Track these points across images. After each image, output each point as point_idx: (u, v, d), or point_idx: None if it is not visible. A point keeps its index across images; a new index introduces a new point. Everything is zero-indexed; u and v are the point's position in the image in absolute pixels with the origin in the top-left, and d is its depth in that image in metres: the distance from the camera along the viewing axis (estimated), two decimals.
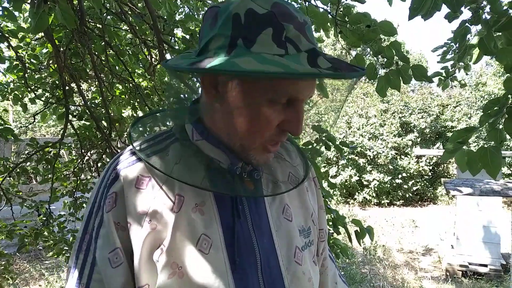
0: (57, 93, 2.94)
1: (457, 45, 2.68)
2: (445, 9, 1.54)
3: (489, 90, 12.22)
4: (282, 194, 0.80)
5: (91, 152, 3.26)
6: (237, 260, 0.70)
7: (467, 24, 2.16)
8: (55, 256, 3.02)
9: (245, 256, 0.71)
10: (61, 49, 2.48)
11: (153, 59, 2.56)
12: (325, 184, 2.37)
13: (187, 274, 0.67)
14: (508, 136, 1.76)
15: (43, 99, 3.00)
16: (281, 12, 0.64)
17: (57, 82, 2.91)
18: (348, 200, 11.46)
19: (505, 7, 2.05)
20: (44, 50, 2.96)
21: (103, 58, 2.82)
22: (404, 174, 11.28)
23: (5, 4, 2.52)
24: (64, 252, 2.99)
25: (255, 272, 0.72)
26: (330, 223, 2.12)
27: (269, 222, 0.76)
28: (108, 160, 3.18)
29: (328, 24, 1.94)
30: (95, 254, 0.69)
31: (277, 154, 0.85)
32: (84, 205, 3.20)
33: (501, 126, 1.76)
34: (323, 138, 2.07)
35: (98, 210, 0.71)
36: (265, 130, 0.68)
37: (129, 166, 0.72)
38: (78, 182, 3.17)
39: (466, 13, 2.18)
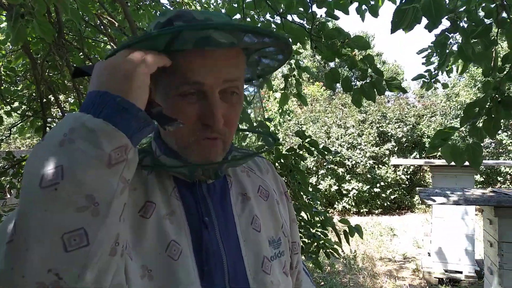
0: (34, 106, 2.90)
1: (437, 53, 2.81)
2: (425, 20, 1.61)
3: (461, 100, 12.64)
4: (232, 164, 0.82)
5: None
6: (205, 268, 0.72)
7: (446, 33, 2.27)
8: None
9: (212, 265, 0.73)
10: (39, 61, 2.47)
11: None
12: (310, 189, 2.40)
13: (158, 278, 0.68)
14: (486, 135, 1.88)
15: (19, 112, 2.95)
16: (176, 15, 0.69)
17: (34, 95, 2.88)
18: (328, 209, 11.56)
19: (481, 17, 2.17)
20: (21, 62, 2.93)
21: None
22: (382, 183, 11.48)
23: None
24: None
25: (222, 280, 0.74)
26: (319, 224, 2.16)
27: (237, 232, 0.79)
28: None
29: (305, 37, 2.01)
30: None
31: (249, 170, 0.89)
32: None
33: (481, 125, 1.87)
34: (306, 144, 2.12)
35: None
36: (186, 126, 0.67)
37: None
38: None
39: (445, 23, 2.29)
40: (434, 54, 2.98)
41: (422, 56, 3.05)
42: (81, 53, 2.68)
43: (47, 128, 2.63)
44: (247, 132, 1.07)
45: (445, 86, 3.74)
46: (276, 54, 0.79)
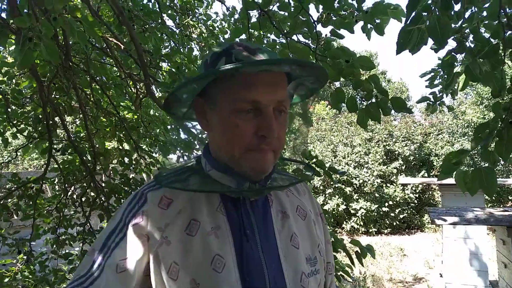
0: (40, 128, 2.91)
1: (444, 73, 2.78)
2: (430, 41, 1.60)
3: (468, 119, 12.55)
4: (278, 189, 0.89)
5: (75, 187, 3.20)
6: (247, 279, 0.77)
7: (452, 53, 2.24)
8: None
9: (254, 277, 0.78)
10: (45, 83, 2.49)
11: (139, 92, 2.58)
12: None
13: None
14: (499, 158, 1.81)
15: (25, 133, 2.97)
16: (232, 46, 0.80)
17: (40, 116, 2.90)
18: (336, 229, 11.40)
19: (487, 36, 2.15)
20: (28, 84, 2.96)
21: (88, 92, 2.83)
22: (390, 202, 11.32)
23: None
24: None
25: None
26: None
27: (278, 247, 0.83)
28: (92, 194, 3.12)
29: (310, 57, 2.00)
30: (106, 262, 0.76)
31: (287, 191, 0.94)
32: (66, 242, 3.11)
33: (492, 148, 1.82)
34: (313, 164, 2.09)
35: (123, 227, 0.80)
36: (241, 138, 0.77)
37: (155, 189, 0.83)
38: (62, 218, 3.09)
39: (451, 43, 2.27)
40: (438, 77, 2.94)
41: (425, 80, 3.02)
42: (87, 76, 2.70)
43: (53, 150, 2.63)
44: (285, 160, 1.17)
45: (450, 108, 3.70)
46: (313, 82, 0.89)
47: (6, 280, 2.71)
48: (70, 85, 2.64)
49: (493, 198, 11.27)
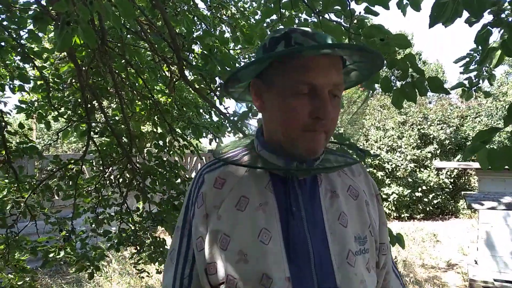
0: (79, 111, 3.02)
1: (479, 51, 2.64)
2: (465, 14, 1.54)
3: (509, 100, 11.97)
4: (323, 171, 0.91)
5: (113, 168, 3.32)
6: (292, 253, 0.81)
7: (488, 27, 2.14)
8: (77, 273, 3.05)
9: (299, 251, 0.82)
10: (83, 68, 2.57)
11: (172, 75, 2.62)
12: None
13: (251, 261, 0.80)
14: None
15: (65, 117, 3.09)
16: (291, 30, 0.84)
17: (79, 100, 3.01)
18: None
19: None
20: (66, 69, 3.06)
21: (123, 76, 2.90)
22: (424, 187, 11.07)
23: (31, 27, 2.63)
24: (86, 268, 3.02)
25: (308, 265, 0.81)
26: None
27: (324, 225, 0.86)
28: (129, 175, 3.24)
29: (343, 36, 1.96)
30: (193, 239, 0.88)
31: (340, 171, 0.96)
32: (105, 221, 3.24)
33: None
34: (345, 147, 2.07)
35: (191, 206, 0.90)
36: (297, 119, 0.80)
37: (211, 170, 0.92)
38: (100, 198, 3.22)
39: (487, 17, 2.17)
40: (473, 62, 2.80)
41: (460, 65, 2.88)
42: (123, 60, 2.77)
43: (91, 133, 2.73)
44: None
45: (487, 95, 3.53)
46: (369, 67, 0.91)
47: (51, 255, 2.87)
48: (107, 69, 2.71)
49: None
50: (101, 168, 3.20)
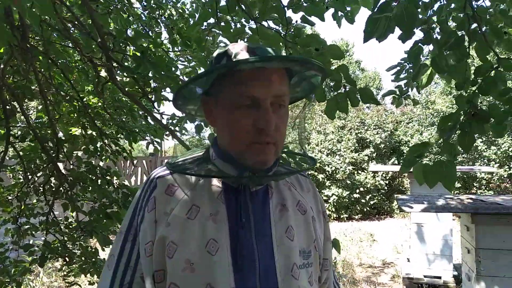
0: None
1: (411, 65, 2.77)
2: (398, 30, 1.59)
3: (437, 108, 12.88)
4: (274, 178, 0.93)
5: (37, 175, 3.06)
6: (239, 263, 0.82)
7: (419, 44, 2.24)
8: None
9: (246, 262, 0.83)
10: (1, 66, 2.33)
11: (100, 77, 2.46)
12: None
13: (197, 270, 0.81)
14: (461, 150, 1.83)
15: None
16: (233, 47, 0.87)
17: None
18: None
19: (453, 28, 2.15)
20: None
21: (48, 76, 2.68)
22: (361, 189, 11.55)
23: None
24: (5, 285, 2.75)
25: (253, 277, 0.83)
26: None
27: (272, 237, 0.88)
28: (56, 182, 3.00)
29: (280, 44, 1.95)
30: (139, 245, 0.86)
31: (291, 186, 0.99)
32: (28, 232, 2.98)
33: (455, 140, 1.83)
34: (283, 154, 2.06)
35: (140, 210, 0.89)
36: (242, 131, 0.83)
37: (164, 176, 0.91)
38: (23, 207, 2.95)
39: (419, 34, 2.26)
40: (404, 71, 2.94)
41: (391, 74, 3.01)
42: (47, 58, 2.55)
43: (10, 137, 2.49)
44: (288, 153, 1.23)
45: (415, 102, 3.74)
46: (312, 77, 0.95)
47: None
48: (29, 68, 2.49)
49: (460, 185, 11.68)
50: (24, 175, 2.94)
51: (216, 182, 0.90)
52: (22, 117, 3.22)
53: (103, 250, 3.00)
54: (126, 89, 2.10)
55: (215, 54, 0.91)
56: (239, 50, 0.85)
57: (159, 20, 2.97)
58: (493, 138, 11.48)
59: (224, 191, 0.89)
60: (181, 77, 2.41)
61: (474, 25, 1.97)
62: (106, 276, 0.89)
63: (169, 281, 0.82)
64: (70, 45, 2.67)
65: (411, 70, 2.71)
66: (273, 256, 0.86)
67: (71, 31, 2.24)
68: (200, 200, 0.87)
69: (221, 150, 0.91)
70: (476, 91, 1.88)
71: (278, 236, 0.88)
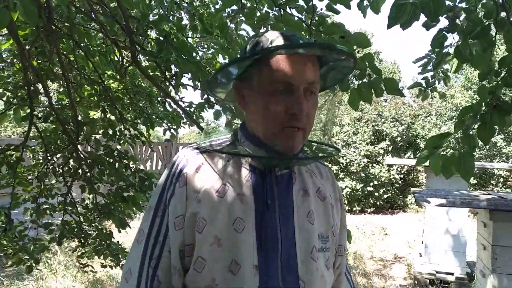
0: (20, 93, 2.79)
1: (434, 52, 2.72)
2: (423, 18, 1.56)
3: (456, 102, 12.62)
4: (303, 163, 0.98)
5: (57, 156, 3.11)
6: (263, 242, 0.86)
7: (444, 32, 2.19)
8: (14, 266, 2.85)
9: (269, 242, 0.87)
10: (27, 47, 2.36)
11: (124, 60, 2.47)
12: None
13: (224, 246, 0.85)
14: (480, 143, 1.80)
15: (4, 99, 2.84)
16: (269, 34, 0.90)
17: (21, 82, 2.78)
18: None
19: (481, 16, 2.09)
20: (7, 47, 2.81)
21: (71, 58, 2.71)
22: (375, 182, 11.46)
23: None
24: (24, 262, 2.83)
25: (275, 256, 0.87)
26: None
27: (294, 220, 0.91)
28: (74, 164, 3.04)
29: (303, 32, 1.93)
30: (168, 219, 0.89)
31: (312, 173, 1.02)
32: (47, 212, 3.04)
33: (474, 132, 1.79)
34: (313, 147, 2.05)
35: (170, 185, 0.91)
36: (274, 116, 0.85)
37: (194, 155, 0.94)
38: (42, 187, 3.01)
39: (443, 21, 2.21)
40: (431, 63, 2.88)
41: (418, 66, 2.95)
42: (71, 41, 2.57)
43: (33, 118, 2.53)
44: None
45: (442, 96, 3.66)
46: (343, 66, 0.96)
47: None
48: (53, 49, 2.51)
49: (476, 181, 11.49)
50: (44, 156, 2.99)
51: (244, 165, 0.93)
52: (43, 98, 3.27)
53: (119, 232, 3.05)
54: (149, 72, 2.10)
55: (250, 40, 0.94)
56: (274, 37, 0.88)
57: (180, 6, 2.96)
58: None
59: (252, 173, 0.92)
60: (202, 63, 2.40)
61: (503, 14, 1.91)
62: (136, 250, 0.91)
63: (197, 255, 0.85)
64: (94, 27, 2.68)
65: (435, 56, 2.65)
66: (294, 238, 0.90)
67: (96, 14, 2.24)
68: (228, 180, 0.90)
69: (250, 134, 0.94)
70: (500, 82, 1.84)
71: (300, 219, 0.92)
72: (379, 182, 11.53)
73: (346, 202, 11.43)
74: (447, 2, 2.10)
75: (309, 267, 0.90)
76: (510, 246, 3.15)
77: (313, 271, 0.90)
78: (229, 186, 0.90)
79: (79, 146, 2.90)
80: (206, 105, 2.50)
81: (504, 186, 11.71)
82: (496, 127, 1.77)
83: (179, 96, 2.29)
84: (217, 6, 3.17)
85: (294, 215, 0.92)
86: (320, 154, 1.10)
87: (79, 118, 2.89)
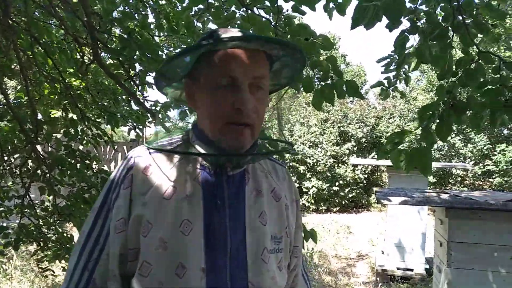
0: None
1: (396, 52, 2.82)
2: (386, 20, 1.61)
3: (419, 105, 13.09)
4: (250, 160, 0.94)
5: (14, 157, 2.98)
6: (211, 245, 0.84)
7: (405, 33, 2.28)
8: None
9: (218, 244, 0.85)
10: None
11: (85, 57, 2.40)
12: None
13: (170, 249, 0.82)
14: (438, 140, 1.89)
15: None
16: (216, 30, 0.90)
17: None
18: None
19: (439, 19, 2.19)
20: None
21: (30, 55, 2.60)
22: (341, 182, 11.70)
23: None
24: None
25: (224, 258, 0.85)
26: None
27: (245, 220, 0.89)
28: (33, 165, 2.93)
29: (270, 33, 1.94)
30: (109, 222, 0.87)
31: (267, 173, 1.00)
32: (3, 214, 2.91)
33: (432, 130, 1.88)
34: (266, 144, 2.06)
35: (116, 187, 0.89)
36: (220, 111, 0.83)
37: (142, 156, 0.91)
38: None
39: (406, 23, 2.30)
40: (393, 63, 2.98)
41: (381, 65, 3.04)
42: (30, 36, 2.47)
43: None
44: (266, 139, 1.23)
45: (402, 95, 3.80)
46: (295, 62, 0.95)
47: None
48: (10, 45, 2.40)
49: (436, 180, 11.96)
50: (0, 156, 2.85)
51: (193, 164, 0.91)
52: (0, 96, 3.13)
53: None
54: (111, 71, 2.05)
55: (200, 37, 0.93)
56: (223, 32, 0.86)
57: (146, 3, 2.91)
58: (470, 136, 11.78)
59: (202, 174, 0.90)
60: None
61: (460, 18, 2.01)
62: (75, 252, 0.89)
63: (142, 260, 0.83)
64: (54, 23, 2.59)
65: (397, 59, 2.75)
66: (245, 239, 0.88)
67: (56, 9, 2.17)
68: (177, 181, 0.87)
69: (200, 133, 0.92)
70: (456, 82, 1.94)
71: (252, 220, 0.90)
72: (345, 182, 11.78)
73: (312, 201, 11.61)
74: (408, 5, 2.19)
75: (259, 268, 0.88)
76: (465, 242, 3.29)
77: (263, 273, 0.88)
78: (178, 188, 0.87)
79: (38, 146, 2.79)
80: (172, 105, 2.46)
81: (462, 185, 12.26)
82: (453, 125, 1.86)
83: (141, 95, 2.24)
84: (184, 5, 3.13)
85: (246, 215, 0.90)
86: (270, 150, 1.09)
87: (39, 116, 2.78)
